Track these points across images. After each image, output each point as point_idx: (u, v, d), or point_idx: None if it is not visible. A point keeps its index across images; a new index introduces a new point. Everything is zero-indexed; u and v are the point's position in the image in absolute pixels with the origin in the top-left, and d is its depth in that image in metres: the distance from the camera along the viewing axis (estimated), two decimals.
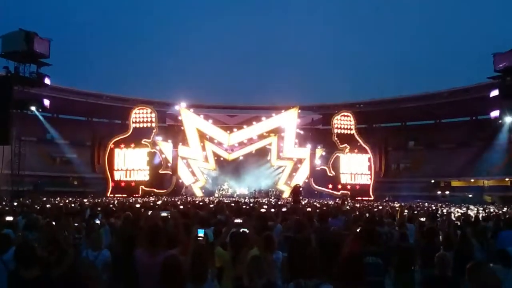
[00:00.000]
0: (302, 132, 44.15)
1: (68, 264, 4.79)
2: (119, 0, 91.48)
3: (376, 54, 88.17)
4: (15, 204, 17.06)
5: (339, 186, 42.22)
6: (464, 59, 73.57)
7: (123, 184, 41.46)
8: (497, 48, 35.91)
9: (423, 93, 49.74)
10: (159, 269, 3.94)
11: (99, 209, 11.93)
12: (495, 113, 37.31)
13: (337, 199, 31.22)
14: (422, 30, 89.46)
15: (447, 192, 43.67)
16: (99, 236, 5.97)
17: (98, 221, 8.53)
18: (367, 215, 11.00)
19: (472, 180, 44.48)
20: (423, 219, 9.31)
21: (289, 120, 42.99)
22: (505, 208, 22.49)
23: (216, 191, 43.06)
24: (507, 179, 42.01)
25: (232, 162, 44.48)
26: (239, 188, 44.11)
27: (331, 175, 42.34)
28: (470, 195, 39.75)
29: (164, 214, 7.61)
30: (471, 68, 53.82)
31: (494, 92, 36.22)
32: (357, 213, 12.43)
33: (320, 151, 43.44)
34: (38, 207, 13.66)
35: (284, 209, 12.60)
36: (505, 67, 35.30)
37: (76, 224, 7.64)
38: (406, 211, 15.41)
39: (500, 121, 37.52)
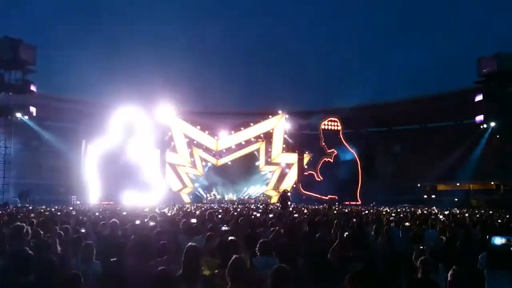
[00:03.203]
0: (290, 140, 44.30)
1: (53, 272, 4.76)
2: (106, 6, 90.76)
3: (361, 58, 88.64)
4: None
5: (327, 191, 42.33)
6: (450, 63, 74.49)
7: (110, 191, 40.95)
8: (482, 52, 36.45)
9: (408, 97, 50.22)
10: (148, 278, 3.96)
11: (84, 219, 11.71)
12: (479, 118, 37.73)
13: (325, 204, 31.33)
14: (408, 34, 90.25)
15: (433, 196, 44.10)
16: (90, 247, 5.64)
17: (83, 230, 8.43)
18: (354, 220, 11.12)
19: (458, 184, 44.97)
20: (407, 224, 9.45)
21: (277, 125, 43.13)
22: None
23: (204, 198, 42.88)
24: (492, 183, 42.52)
25: (220, 168, 44.37)
26: (228, 194, 44.01)
27: (319, 180, 42.46)
28: (456, 199, 40.17)
29: (152, 223, 7.58)
30: (456, 73, 54.51)
31: (479, 97, 36.69)
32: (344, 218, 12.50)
33: (307, 157, 43.59)
34: (23, 215, 13.47)
35: (271, 215, 12.66)
36: (489, 72, 35.80)
37: (61, 233, 7.59)
38: (393, 215, 15.58)
39: (484, 126, 37.97)
